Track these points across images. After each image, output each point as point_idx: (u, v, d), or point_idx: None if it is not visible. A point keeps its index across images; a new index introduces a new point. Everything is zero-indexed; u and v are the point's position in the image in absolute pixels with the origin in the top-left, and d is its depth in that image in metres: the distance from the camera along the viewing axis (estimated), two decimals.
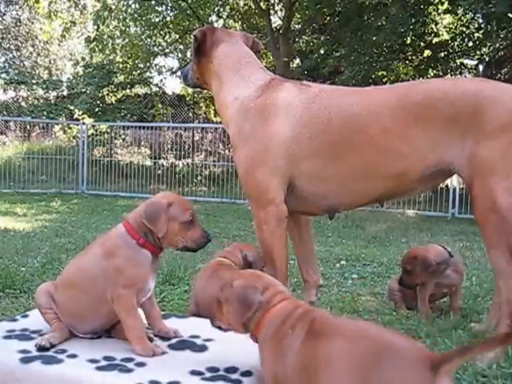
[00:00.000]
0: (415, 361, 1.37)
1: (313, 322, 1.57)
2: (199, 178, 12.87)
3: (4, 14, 26.31)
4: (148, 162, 13.59)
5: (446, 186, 10.65)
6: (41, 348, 1.90)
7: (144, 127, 14.83)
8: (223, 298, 1.72)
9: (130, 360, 1.84)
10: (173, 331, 2.09)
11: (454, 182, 10.22)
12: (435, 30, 14.62)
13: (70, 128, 14.92)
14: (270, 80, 2.77)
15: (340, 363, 1.44)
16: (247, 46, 2.95)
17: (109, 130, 14.07)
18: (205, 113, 19.14)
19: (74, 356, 1.87)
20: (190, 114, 18.98)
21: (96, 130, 14.23)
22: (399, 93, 2.54)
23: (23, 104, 18.19)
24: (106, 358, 1.85)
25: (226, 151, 12.86)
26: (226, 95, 2.81)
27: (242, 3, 17.78)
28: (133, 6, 17.15)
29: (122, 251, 1.96)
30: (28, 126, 14.39)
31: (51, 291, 2.08)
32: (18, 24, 26.53)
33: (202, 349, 1.96)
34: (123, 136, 14.61)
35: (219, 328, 1.78)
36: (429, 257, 2.97)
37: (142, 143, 14.55)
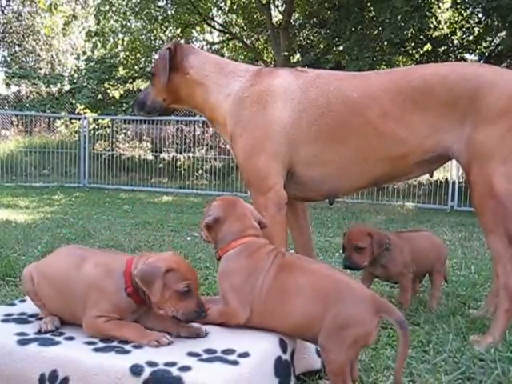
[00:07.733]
0: (364, 300, 1.76)
1: (283, 257, 1.97)
2: (200, 171, 12.89)
3: (5, 8, 26.28)
4: (149, 156, 13.61)
5: (446, 179, 10.65)
6: (47, 332, 1.90)
7: (145, 121, 14.81)
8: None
9: (127, 342, 1.84)
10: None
11: (453, 175, 10.22)
12: (435, 23, 14.53)
13: (71, 122, 14.94)
14: (258, 70, 2.78)
15: (307, 292, 1.82)
16: None
17: (110, 124, 14.09)
18: None
19: (71, 338, 1.87)
20: None
21: (98, 124, 14.25)
22: (397, 77, 2.54)
23: (25, 98, 18.20)
24: (103, 340, 1.85)
25: (227, 145, 12.85)
26: (216, 96, 2.78)
27: None
28: (133, 0, 17.09)
29: (106, 292, 1.87)
30: (30, 121, 14.41)
31: (34, 276, 2.03)
32: (20, 18, 26.49)
33: None
34: (125, 130, 14.63)
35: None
36: (383, 235, 2.88)
37: (144, 137, 14.57)
